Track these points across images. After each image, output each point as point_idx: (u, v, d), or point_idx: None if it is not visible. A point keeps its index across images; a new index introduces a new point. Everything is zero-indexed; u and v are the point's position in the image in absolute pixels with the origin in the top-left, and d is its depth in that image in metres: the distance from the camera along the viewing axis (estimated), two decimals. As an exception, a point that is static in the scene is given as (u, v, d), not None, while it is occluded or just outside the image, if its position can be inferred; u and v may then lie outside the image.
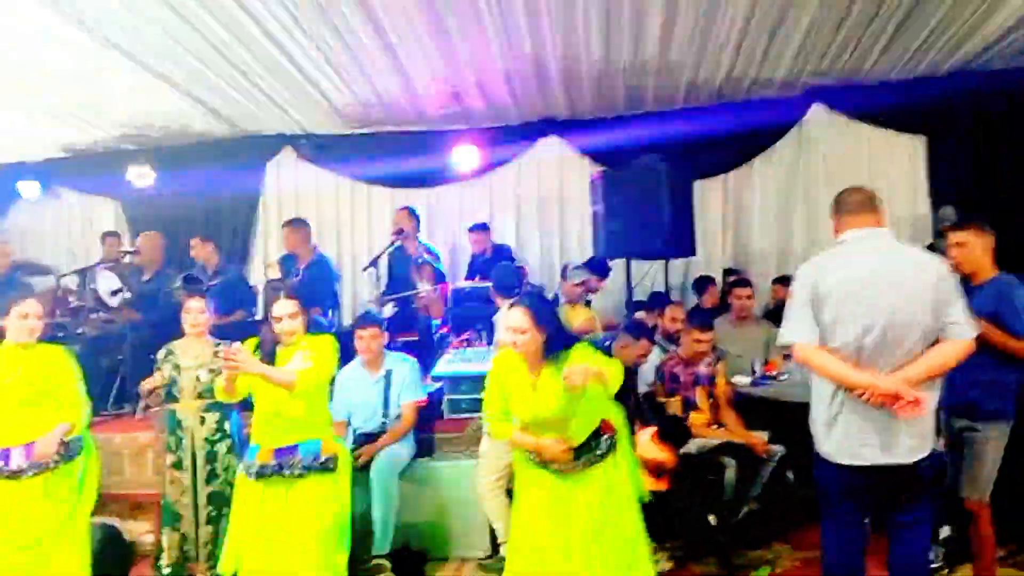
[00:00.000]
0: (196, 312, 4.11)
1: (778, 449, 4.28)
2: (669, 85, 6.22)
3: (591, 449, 3.09)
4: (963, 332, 2.63)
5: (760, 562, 4.00)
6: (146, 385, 4.08)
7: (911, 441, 2.65)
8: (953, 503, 3.38)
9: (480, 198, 7.33)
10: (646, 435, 4.01)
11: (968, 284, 3.31)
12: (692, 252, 5.77)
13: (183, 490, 3.99)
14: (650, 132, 6.51)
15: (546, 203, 7.23)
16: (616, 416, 3.24)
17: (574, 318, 5.14)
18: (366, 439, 4.30)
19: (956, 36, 5.35)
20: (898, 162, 6.54)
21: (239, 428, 4.10)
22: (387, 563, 4.00)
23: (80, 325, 5.85)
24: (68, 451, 3.50)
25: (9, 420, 3.41)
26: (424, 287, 5.85)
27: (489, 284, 4.86)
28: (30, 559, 3.35)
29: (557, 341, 3.03)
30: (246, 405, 3.57)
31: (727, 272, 6.64)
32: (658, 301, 5.74)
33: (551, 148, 7.10)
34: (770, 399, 4.59)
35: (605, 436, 3.13)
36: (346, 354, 4.15)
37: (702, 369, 4.47)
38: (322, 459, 3.32)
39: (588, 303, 5.71)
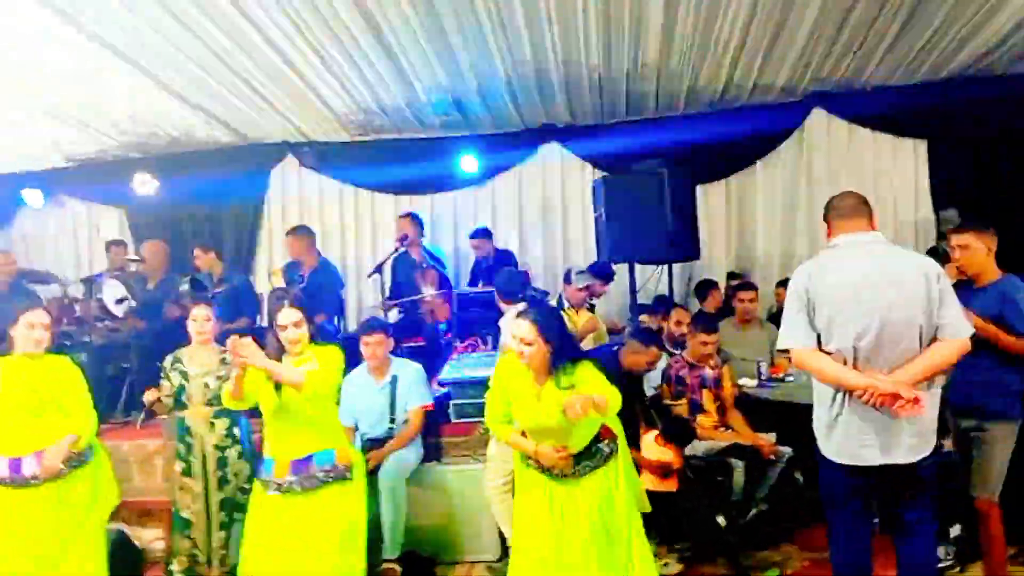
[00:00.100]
0: (202, 320, 4.12)
1: (786, 450, 4.30)
2: (670, 91, 6.25)
3: (590, 455, 3.11)
4: (957, 332, 2.67)
5: (769, 563, 4.02)
6: (149, 396, 4.09)
7: (911, 441, 2.68)
8: (963, 502, 3.40)
9: (482, 204, 7.35)
10: (650, 437, 4.04)
11: (972, 286, 3.35)
12: (696, 256, 5.79)
13: (194, 497, 4.00)
14: (651, 138, 6.54)
15: (548, 208, 7.25)
16: (615, 423, 3.26)
17: (577, 322, 5.17)
18: (373, 444, 4.30)
19: (956, 40, 5.38)
20: (900, 166, 6.56)
21: (248, 434, 4.12)
22: (397, 568, 4.01)
23: (86, 333, 5.85)
24: (78, 459, 3.50)
25: (19, 430, 3.40)
26: (429, 291, 5.87)
27: (493, 289, 4.88)
28: (43, 567, 3.35)
29: (563, 353, 3.05)
30: (254, 412, 3.57)
31: (731, 276, 6.66)
32: (663, 305, 5.76)
33: (552, 154, 7.12)
34: (777, 401, 4.61)
35: (604, 442, 3.16)
36: (352, 360, 4.17)
37: (708, 372, 4.50)
38: (338, 468, 3.32)
39: (592, 307, 5.74)
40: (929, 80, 6.10)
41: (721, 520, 4.07)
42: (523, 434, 3.17)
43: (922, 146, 6.50)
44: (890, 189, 6.51)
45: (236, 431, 4.07)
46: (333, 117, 6.58)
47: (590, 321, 5.30)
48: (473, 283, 6.54)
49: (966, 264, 3.37)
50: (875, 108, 6.36)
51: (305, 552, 3.21)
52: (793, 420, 4.07)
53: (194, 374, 4.06)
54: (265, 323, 5.54)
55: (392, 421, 4.40)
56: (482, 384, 4.33)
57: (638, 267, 5.63)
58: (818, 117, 6.61)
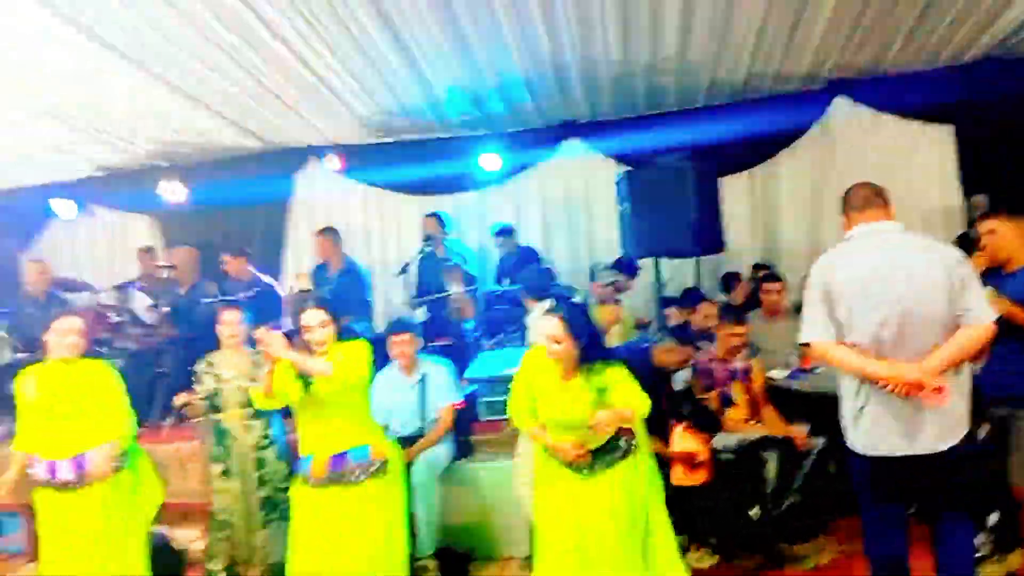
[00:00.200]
0: (232, 324, 4.17)
1: (818, 442, 4.27)
2: (690, 83, 6.22)
3: (610, 451, 3.13)
4: (980, 317, 2.64)
5: (803, 555, 4.00)
6: (179, 400, 4.16)
7: (937, 430, 2.66)
8: (1001, 490, 3.36)
9: (505, 202, 7.39)
10: (679, 429, 4.04)
11: (1002, 272, 3.31)
12: (721, 248, 5.76)
13: (234, 497, 4.06)
14: (673, 131, 6.52)
15: (571, 205, 7.26)
16: (637, 422, 3.26)
17: (602, 316, 5.17)
18: (404, 443, 4.33)
19: (978, 23, 5.30)
20: (926, 152, 6.47)
21: (283, 433, 4.18)
22: (432, 563, 4.05)
23: (121, 340, 5.96)
24: (119, 462, 3.58)
25: (56, 434, 3.48)
26: (455, 289, 5.90)
27: (518, 287, 4.90)
28: (86, 568, 3.42)
29: (592, 352, 3.08)
30: (287, 411, 3.62)
31: (756, 267, 6.61)
32: (692, 298, 5.72)
33: (574, 150, 7.12)
34: (807, 392, 4.58)
35: (624, 438, 3.17)
36: (381, 361, 4.20)
37: (737, 364, 4.48)
38: (374, 463, 3.36)
39: (618, 302, 5.73)
40: (952, 64, 6.01)
41: (754, 513, 4.05)
42: (543, 427, 3.19)
43: (948, 131, 6.40)
44: (917, 176, 6.41)
45: (271, 431, 4.12)
46: (354, 120, 6.63)
47: (612, 312, 5.29)
48: (498, 281, 6.56)
49: (996, 249, 3.34)
50: (898, 94, 6.28)
51: (349, 547, 3.26)
52: (825, 410, 4.05)
53: (227, 377, 4.12)
54: (291, 327, 5.64)
55: (423, 419, 4.44)
56: (510, 381, 4.36)
57: (665, 261, 5.61)
58: (841, 105, 6.54)
